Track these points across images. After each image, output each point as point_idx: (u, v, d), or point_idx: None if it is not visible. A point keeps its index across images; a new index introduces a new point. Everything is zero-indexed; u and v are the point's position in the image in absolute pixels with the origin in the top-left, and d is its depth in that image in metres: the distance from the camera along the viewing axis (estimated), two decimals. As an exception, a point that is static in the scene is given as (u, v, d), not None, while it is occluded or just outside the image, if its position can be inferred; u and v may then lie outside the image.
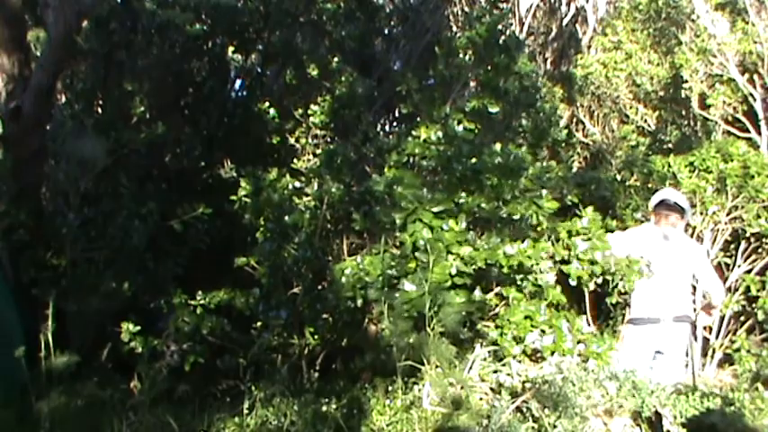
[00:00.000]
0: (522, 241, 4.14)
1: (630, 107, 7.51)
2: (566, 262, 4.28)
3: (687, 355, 4.59)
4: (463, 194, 4.27)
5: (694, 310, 4.69)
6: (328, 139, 5.67)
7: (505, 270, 4.12)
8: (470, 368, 4.06)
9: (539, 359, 4.30)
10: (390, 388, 3.88)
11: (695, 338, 4.67)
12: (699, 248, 4.93)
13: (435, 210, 4.15)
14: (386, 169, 4.67)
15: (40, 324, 3.84)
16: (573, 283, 4.29)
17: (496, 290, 4.41)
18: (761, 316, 5.06)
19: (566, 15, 9.51)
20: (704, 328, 5.22)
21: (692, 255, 4.74)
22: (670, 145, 7.02)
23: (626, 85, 7.50)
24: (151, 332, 4.34)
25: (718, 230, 5.32)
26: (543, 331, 4.20)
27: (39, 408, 3.59)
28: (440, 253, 4.04)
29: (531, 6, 8.94)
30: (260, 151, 6.14)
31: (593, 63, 7.72)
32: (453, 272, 4.03)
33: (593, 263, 4.21)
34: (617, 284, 4.37)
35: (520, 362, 4.19)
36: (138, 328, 4.25)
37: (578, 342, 4.26)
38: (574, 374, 3.90)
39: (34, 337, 3.84)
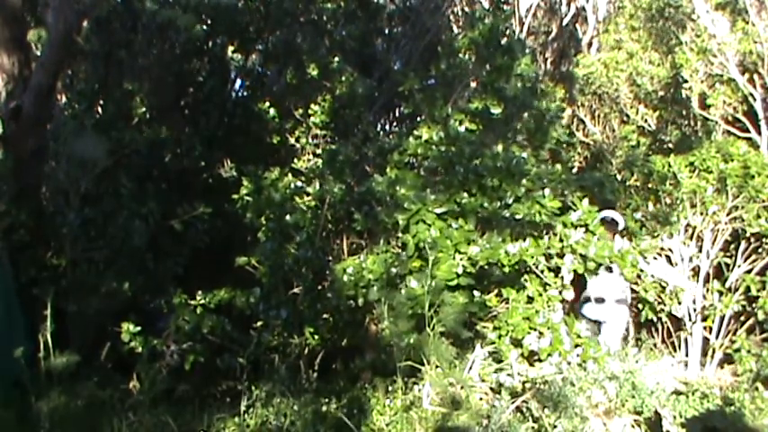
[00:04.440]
0: (524, 240, 4.15)
1: (631, 107, 7.50)
2: (560, 256, 4.31)
3: (627, 330, 5.61)
4: (465, 195, 4.28)
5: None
6: (329, 139, 5.67)
7: (507, 269, 4.13)
8: (470, 368, 4.06)
9: (536, 361, 4.31)
10: (390, 388, 3.88)
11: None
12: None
13: (438, 211, 4.15)
14: (387, 169, 4.67)
15: (40, 324, 3.84)
16: (569, 276, 4.35)
17: (497, 291, 4.41)
18: (761, 316, 5.05)
19: (566, 15, 9.51)
20: (704, 328, 5.27)
21: None
22: (670, 145, 7.01)
23: (626, 85, 7.49)
24: (151, 332, 4.35)
25: (718, 230, 5.31)
26: (541, 333, 4.21)
27: (38, 407, 3.59)
28: (447, 251, 4.05)
29: (531, 6, 8.94)
30: (260, 151, 6.14)
31: (593, 63, 7.71)
32: (460, 271, 4.05)
33: (585, 257, 4.23)
34: None
35: (519, 362, 4.20)
36: (138, 328, 4.25)
37: (576, 345, 4.26)
38: (573, 375, 3.91)
39: (34, 337, 3.84)
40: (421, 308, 3.93)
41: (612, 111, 7.76)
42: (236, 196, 4.83)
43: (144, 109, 5.80)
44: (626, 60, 7.47)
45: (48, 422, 3.51)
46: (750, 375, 4.73)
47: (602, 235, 4.74)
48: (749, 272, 5.26)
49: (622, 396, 3.98)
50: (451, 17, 8.36)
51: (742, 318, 5.30)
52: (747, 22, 6.31)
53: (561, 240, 4.25)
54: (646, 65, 7.38)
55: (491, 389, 4.00)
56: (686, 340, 5.40)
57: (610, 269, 4.89)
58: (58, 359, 3.78)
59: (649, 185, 5.67)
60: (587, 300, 5.43)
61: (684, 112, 7.15)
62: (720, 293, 5.21)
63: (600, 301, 5.35)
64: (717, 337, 5.28)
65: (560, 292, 4.38)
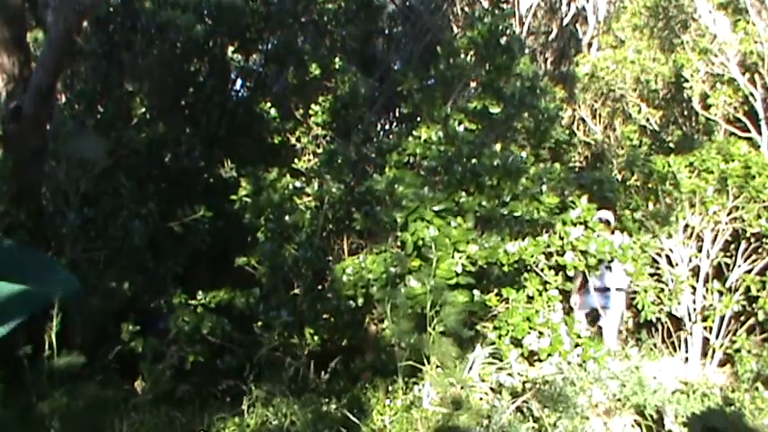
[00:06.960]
0: (523, 239, 4.16)
1: (634, 106, 7.49)
2: (560, 254, 4.32)
3: (622, 317, 5.76)
4: (464, 194, 4.28)
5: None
6: (329, 139, 5.67)
7: (506, 268, 4.14)
8: (471, 368, 4.06)
9: (536, 361, 4.30)
10: (391, 388, 3.88)
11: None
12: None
13: (437, 208, 4.16)
14: (386, 169, 4.68)
15: (44, 323, 3.84)
16: (570, 273, 4.37)
17: (497, 290, 4.41)
18: (761, 316, 5.04)
19: (566, 15, 9.50)
20: (704, 328, 5.27)
21: None
22: (672, 145, 7.00)
23: (631, 83, 7.47)
24: (152, 333, 4.34)
25: (718, 230, 5.31)
26: (541, 333, 4.21)
27: (41, 407, 3.59)
28: (446, 250, 4.05)
29: (531, 6, 8.93)
30: (261, 151, 6.14)
31: (600, 59, 7.68)
32: (459, 270, 4.05)
33: (586, 253, 4.24)
34: None
35: (519, 362, 4.20)
36: (138, 328, 4.25)
37: (576, 345, 4.26)
38: (574, 374, 3.90)
39: (38, 337, 3.84)
40: (421, 307, 3.93)
41: (615, 110, 7.75)
42: (234, 197, 4.83)
43: (144, 109, 5.80)
44: (634, 58, 7.45)
45: (50, 422, 3.51)
46: (750, 375, 4.72)
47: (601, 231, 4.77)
48: (749, 272, 5.25)
49: (626, 393, 3.97)
50: (451, 17, 8.37)
51: (742, 318, 5.29)
52: (748, 22, 6.31)
53: (561, 238, 4.26)
54: (651, 63, 7.37)
55: (491, 389, 4.00)
56: (686, 340, 5.40)
57: (609, 267, 4.94)
58: (60, 359, 3.78)
59: (649, 185, 5.66)
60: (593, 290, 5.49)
61: (686, 112, 7.15)
62: (720, 293, 5.20)
63: (604, 290, 5.47)
64: (717, 338, 5.27)
65: (560, 291, 4.38)
